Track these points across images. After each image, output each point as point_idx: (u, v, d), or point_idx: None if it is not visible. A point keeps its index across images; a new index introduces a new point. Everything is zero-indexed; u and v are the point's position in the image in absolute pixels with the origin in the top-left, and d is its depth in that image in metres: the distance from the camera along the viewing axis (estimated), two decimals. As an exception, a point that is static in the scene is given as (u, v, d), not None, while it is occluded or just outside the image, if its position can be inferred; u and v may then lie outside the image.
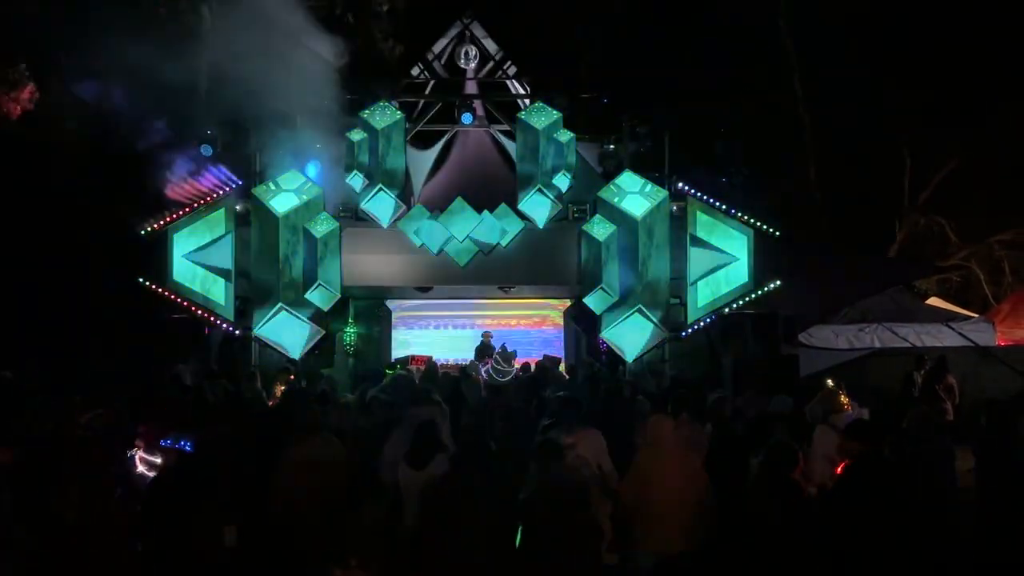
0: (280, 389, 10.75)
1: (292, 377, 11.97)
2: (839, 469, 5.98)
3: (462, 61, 15.22)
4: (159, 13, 10.51)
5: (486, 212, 13.41)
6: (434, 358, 14.51)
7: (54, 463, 5.42)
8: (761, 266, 13.24)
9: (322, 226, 13.18)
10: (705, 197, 13.51)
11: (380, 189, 13.22)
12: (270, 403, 10.04)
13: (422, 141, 15.20)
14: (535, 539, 5.36)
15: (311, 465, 6.24)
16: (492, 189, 14.00)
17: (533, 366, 12.44)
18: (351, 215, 13.62)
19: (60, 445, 5.67)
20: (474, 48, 15.28)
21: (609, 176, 13.80)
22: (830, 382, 9.10)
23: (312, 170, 13.37)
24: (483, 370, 13.59)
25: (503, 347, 14.49)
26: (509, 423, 8.46)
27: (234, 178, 13.31)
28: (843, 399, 8.21)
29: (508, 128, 14.43)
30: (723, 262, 13.35)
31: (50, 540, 4.98)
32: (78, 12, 10.80)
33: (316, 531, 6.12)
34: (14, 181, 13.50)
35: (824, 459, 6.76)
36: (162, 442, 5.96)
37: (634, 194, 13.15)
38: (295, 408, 8.56)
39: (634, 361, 13.16)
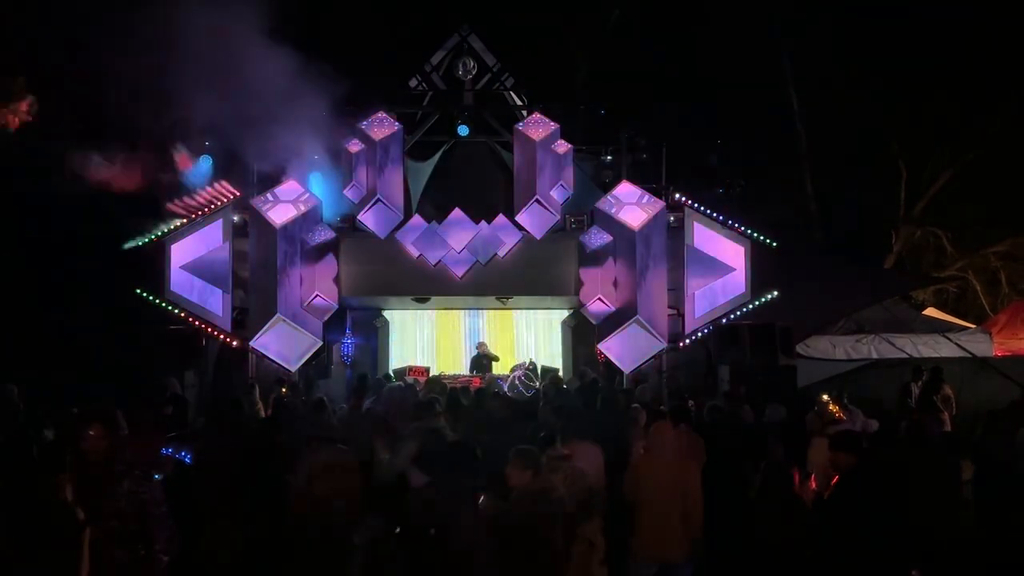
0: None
1: (285, 389, 11.99)
2: (813, 484, 6.01)
3: (460, 72, 15.24)
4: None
5: (484, 223, 13.42)
6: (431, 370, 14.54)
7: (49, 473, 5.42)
8: (758, 277, 13.26)
9: (320, 237, 13.19)
10: (702, 208, 13.55)
11: (377, 200, 13.23)
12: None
13: (420, 152, 15.22)
14: (501, 555, 5.27)
15: (328, 471, 6.41)
16: (490, 200, 14.02)
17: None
18: (349, 226, 13.63)
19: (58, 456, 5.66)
20: (471, 60, 15.31)
21: (606, 187, 13.83)
22: (825, 396, 9.15)
23: (310, 181, 13.38)
24: (506, 385, 13.30)
25: (531, 362, 14.34)
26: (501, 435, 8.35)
27: (232, 189, 13.32)
28: (833, 408, 8.27)
29: (506, 139, 14.46)
30: (720, 273, 13.37)
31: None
32: (76, 25, 10.83)
33: (334, 534, 6.24)
34: (11, 192, 13.49)
35: (819, 469, 6.78)
36: (162, 451, 5.94)
37: (631, 205, 13.18)
38: (290, 418, 8.63)
39: (632, 372, 13.17)
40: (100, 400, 6.79)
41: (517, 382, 13.24)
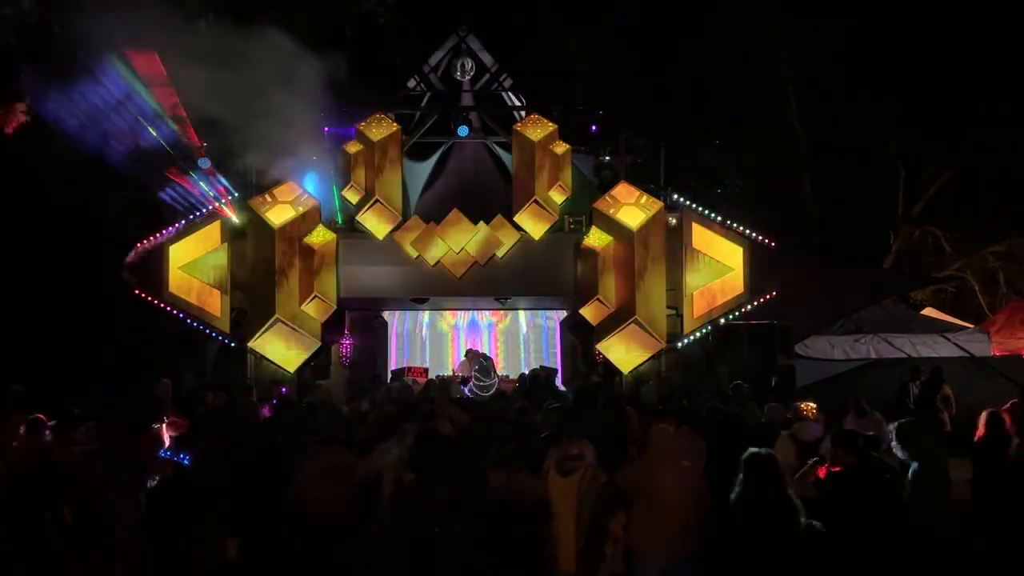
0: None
1: (284, 390, 11.97)
2: (822, 473, 6.06)
3: (458, 73, 15.24)
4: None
5: (482, 223, 13.43)
6: (430, 371, 14.54)
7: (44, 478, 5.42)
8: (757, 277, 13.27)
9: (318, 238, 13.18)
10: (701, 208, 13.55)
11: (376, 201, 13.23)
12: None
13: (418, 153, 15.22)
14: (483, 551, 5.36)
15: (329, 474, 6.42)
16: (488, 201, 14.01)
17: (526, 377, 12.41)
18: (347, 226, 13.63)
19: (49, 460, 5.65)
20: (470, 60, 15.30)
21: (605, 187, 13.83)
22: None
23: (309, 182, 13.38)
24: (465, 389, 13.34)
25: (482, 360, 14.22)
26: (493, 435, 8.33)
27: (231, 190, 13.31)
28: (804, 406, 8.35)
29: (504, 140, 14.46)
30: (719, 273, 13.37)
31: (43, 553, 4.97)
32: (74, 26, 10.84)
33: (335, 536, 6.31)
34: (9, 195, 13.48)
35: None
36: (160, 454, 5.94)
37: (630, 205, 13.18)
38: (290, 420, 8.61)
39: (630, 372, 13.17)
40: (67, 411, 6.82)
41: (473, 385, 13.25)
